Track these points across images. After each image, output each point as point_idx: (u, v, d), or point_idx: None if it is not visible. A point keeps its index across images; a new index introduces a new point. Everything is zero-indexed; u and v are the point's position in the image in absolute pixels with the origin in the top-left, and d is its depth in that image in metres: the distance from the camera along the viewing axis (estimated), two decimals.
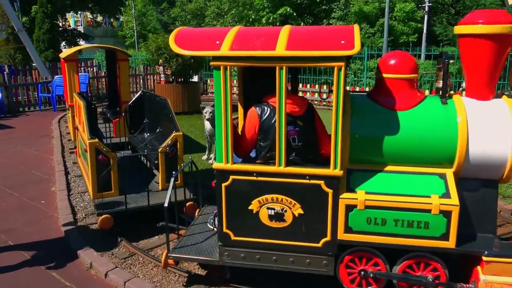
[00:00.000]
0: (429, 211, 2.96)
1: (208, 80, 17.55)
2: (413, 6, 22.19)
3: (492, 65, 3.03)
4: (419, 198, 2.99)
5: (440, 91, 3.26)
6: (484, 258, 2.97)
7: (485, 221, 3.15)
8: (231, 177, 3.16)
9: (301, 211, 3.12)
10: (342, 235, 3.12)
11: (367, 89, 14.20)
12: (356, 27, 2.97)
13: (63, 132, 9.74)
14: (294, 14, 17.17)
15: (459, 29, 3.11)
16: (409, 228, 3.02)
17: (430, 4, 22.28)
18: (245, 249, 3.30)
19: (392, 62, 3.15)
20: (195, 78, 14.11)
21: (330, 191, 3.05)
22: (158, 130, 5.74)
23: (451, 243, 2.99)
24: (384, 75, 3.17)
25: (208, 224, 3.94)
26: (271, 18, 17.48)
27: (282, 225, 3.18)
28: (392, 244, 3.07)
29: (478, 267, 3.04)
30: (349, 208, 3.06)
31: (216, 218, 3.82)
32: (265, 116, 3.13)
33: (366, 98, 3.31)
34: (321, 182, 3.04)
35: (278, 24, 17.18)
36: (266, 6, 18.25)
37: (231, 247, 3.32)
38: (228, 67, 2.95)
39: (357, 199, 3.04)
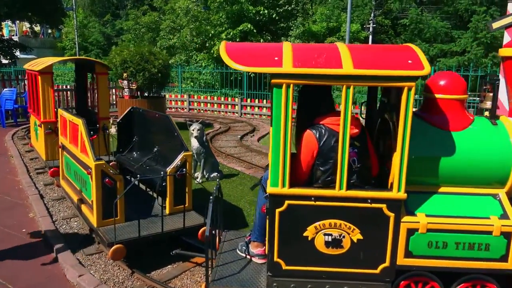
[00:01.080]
0: (490, 232, 2.92)
1: (167, 95, 17.00)
2: (358, 27, 23.44)
3: None
4: (480, 220, 2.94)
5: (484, 112, 3.28)
6: None
7: None
8: (287, 202, 2.91)
9: (360, 237, 2.94)
10: (401, 260, 2.98)
11: None
12: (415, 47, 2.90)
13: (21, 150, 8.81)
14: (254, 30, 17.22)
15: (505, 51, 3.16)
16: (470, 251, 2.95)
17: (374, 26, 23.60)
18: (297, 279, 3.04)
19: (445, 82, 3.11)
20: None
21: (392, 214, 2.90)
22: (155, 149, 5.30)
23: (510, 264, 2.96)
24: (436, 95, 3.11)
25: (238, 252, 3.63)
26: (231, 33, 17.39)
27: (339, 252, 2.97)
28: (452, 267, 2.99)
29: None
30: (411, 232, 2.94)
31: (249, 245, 3.54)
32: (324, 139, 2.93)
33: (415, 118, 3.23)
34: (383, 206, 2.89)
35: (238, 39, 17.16)
36: (224, 22, 18.16)
37: (281, 277, 3.04)
38: (291, 85, 2.73)
39: (419, 222, 2.92)
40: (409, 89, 2.70)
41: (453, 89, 3.10)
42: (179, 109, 17.40)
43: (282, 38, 17.98)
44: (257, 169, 7.88)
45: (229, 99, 16.71)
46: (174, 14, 20.16)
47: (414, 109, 3.23)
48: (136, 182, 5.42)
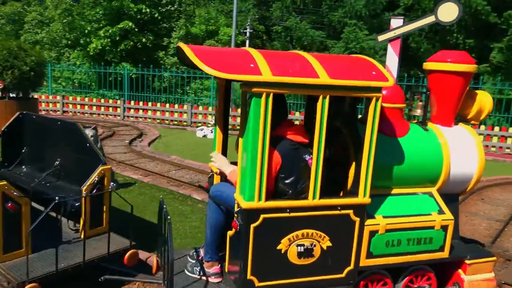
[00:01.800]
0: (433, 227, 3.20)
1: (36, 96, 14.79)
2: (237, 31, 23.97)
3: (457, 97, 3.49)
4: (425, 216, 3.20)
5: (412, 118, 3.59)
6: (467, 262, 3.37)
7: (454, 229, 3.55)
8: (262, 216, 2.72)
9: (329, 244, 2.93)
10: (364, 262, 3.06)
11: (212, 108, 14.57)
12: (370, 59, 3.00)
13: None
14: (136, 29, 16.16)
15: (429, 65, 3.48)
16: (418, 245, 3.19)
17: (251, 31, 24.52)
18: None
19: (387, 92, 3.27)
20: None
21: (357, 219, 2.95)
22: (56, 162, 4.45)
23: (446, 253, 3.29)
24: (383, 104, 3.27)
25: (188, 273, 3.28)
26: (110, 31, 16.00)
27: (310, 261, 2.91)
28: (404, 262, 3.18)
29: (459, 270, 3.42)
30: (372, 234, 3.04)
31: (203, 265, 3.24)
32: (287, 153, 2.82)
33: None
34: (350, 212, 2.93)
35: (118, 38, 15.89)
36: (101, 19, 16.63)
37: None
38: (271, 94, 2.55)
39: (379, 224, 3.04)
40: (377, 99, 2.77)
41: (395, 98, 3.31)
42: (51, 112, 15.34)
43: (165, 39, 17.31)
44: (156, 177, 7.38)
45: (110, 101, 15.37)
46: (42, 6, 17.66)
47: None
48: (37, 205, 4.51)
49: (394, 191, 3.31)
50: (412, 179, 3.33)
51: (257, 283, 2.82)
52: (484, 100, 3.59)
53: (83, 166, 3.89)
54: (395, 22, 6.99)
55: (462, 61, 3.39)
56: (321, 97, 2.65)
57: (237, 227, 2.75)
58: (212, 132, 12.64)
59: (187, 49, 2.58)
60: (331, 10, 16.06)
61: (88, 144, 3.99)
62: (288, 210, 2.77)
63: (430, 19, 6.82)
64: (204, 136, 12.62)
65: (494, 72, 14.84)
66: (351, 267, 3.03)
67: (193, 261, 3.39)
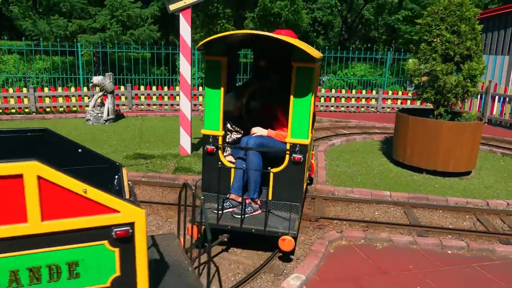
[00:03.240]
0: None
1: None
2: None
3: None
4: None
5: None
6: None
7: None
8: (308, 147, 4.11)
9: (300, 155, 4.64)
10: None
11: None
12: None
13: None
14: None
15: None
16: None
17: None
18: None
19: None
20: None
21: None
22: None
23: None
24: None
25: (248, 215, 3.98)
26: None
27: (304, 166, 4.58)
28: None
29: None
30: None
31: (252, 203, 4.09)
32: None
33: None
34: None
35: None
36: None
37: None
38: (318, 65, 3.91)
39: None
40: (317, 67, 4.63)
41: None
42: None
43: None
44: None
45: None
46: None
47: None
48: None
49: None
50: None
51: (303, 189, 4.25)
52: None
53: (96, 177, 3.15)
54: None
55: (293, 36, 5.57)
56: (316, 66, 4.23)
57: (301, 158, 3.99)
58: None
59: (295, 40, 3.41)
60: None
61: (80, 150, 3.15)
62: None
63: None
64: None
65: None
66: (308, 164, 4.94)
67: (227, 210, 4.05)
